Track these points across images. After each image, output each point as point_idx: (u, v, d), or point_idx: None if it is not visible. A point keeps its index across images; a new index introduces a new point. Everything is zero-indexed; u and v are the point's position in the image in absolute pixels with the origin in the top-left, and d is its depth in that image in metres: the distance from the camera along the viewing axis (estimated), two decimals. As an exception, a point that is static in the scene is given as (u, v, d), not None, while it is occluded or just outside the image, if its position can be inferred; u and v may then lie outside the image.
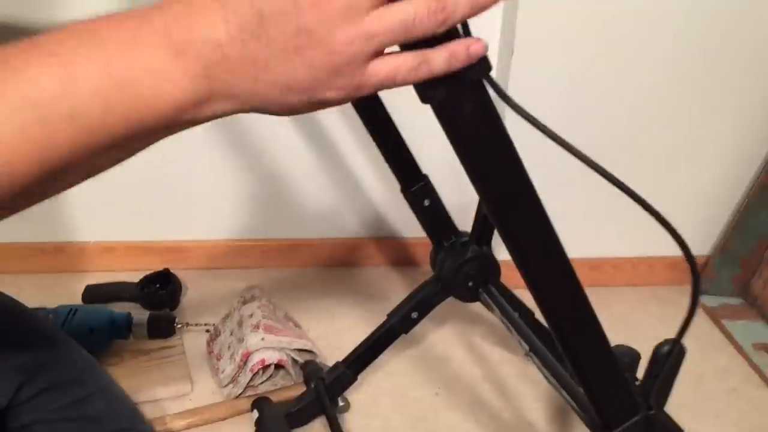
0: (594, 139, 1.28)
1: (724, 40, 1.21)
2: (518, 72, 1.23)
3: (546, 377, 0.82)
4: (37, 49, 0.35)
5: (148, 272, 1.35)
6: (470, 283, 1.01)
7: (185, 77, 0.37)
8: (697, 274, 0.55)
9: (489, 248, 1.01)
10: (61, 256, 1.40)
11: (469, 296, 1.03)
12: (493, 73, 0.46)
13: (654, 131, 1.31)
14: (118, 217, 1.41)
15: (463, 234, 1.04)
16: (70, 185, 0.43)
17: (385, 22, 0.38)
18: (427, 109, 0.46)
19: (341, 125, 1.35)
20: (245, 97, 0.39)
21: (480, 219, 0.99)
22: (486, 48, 0.42)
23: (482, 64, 0.43)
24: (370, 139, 1.00)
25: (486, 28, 1.25)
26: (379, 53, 0.39)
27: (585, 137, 1.23)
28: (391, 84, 0.40)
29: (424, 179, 1.00)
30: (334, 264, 1.49)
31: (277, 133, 1.34)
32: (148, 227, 1.42)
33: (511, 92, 0.49)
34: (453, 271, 1.01)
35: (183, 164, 1.34)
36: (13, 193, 0.37)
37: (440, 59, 0.41)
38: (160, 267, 1.37)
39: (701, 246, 1.44)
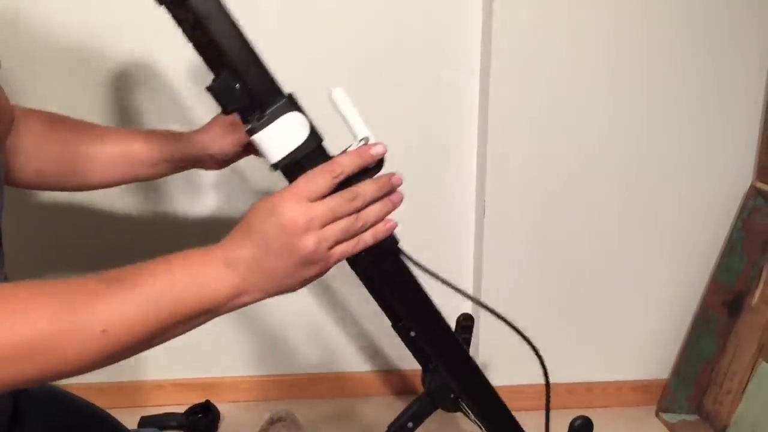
0: (563, 282, 1.59)
1: (657, 191, 1.55)
2: (490, 228, 1.55)
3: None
4: (153, 267, 0.62)
5: (191, 405, 1.62)
6: (452, 396, 1.26)
7: (231, 280, 0.63)
8: (543, 365, 0.82)
9: (466, 367, 1.28)
10: (119, 394, 1.67)
11: (452, 407, 1.28)
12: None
13: (613, 276, 1.62)
14: (165, 360, 1.69)
15: (445, 356, 1.30)
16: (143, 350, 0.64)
17: (334, 230, 0.65)
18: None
19: (350, 287, 1.65)
20: (264, 289, 0.65)
21: (457, 343, 1.27)
22: (395, 226, 0.71)
23: (393, 240, 0.72)
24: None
25: (462, 195, 1.60)
26: (334, 245, 0.66)
27: (556, 276, 1.54)
28: (345, 257, 0.67)
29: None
30: (348, 395, 1.75)
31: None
32: (190, 367, 1.70)
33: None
34: (439, 387, 1.27)
35: (217, 320, 1.64)
36: (123, 354, 0.61)
37: (368, 237, 0.69)
38: (201, 400, 1.63)
39: (661, 370, 1.69)
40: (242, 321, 1.67)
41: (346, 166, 0.66)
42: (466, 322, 1.27)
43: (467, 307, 1.60)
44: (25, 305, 0.56)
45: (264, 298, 0.66)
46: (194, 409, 1.60)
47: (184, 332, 0.65)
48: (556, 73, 1.46)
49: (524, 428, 1.22)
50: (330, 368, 1.74)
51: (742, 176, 1.53)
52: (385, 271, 0.75)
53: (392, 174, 0.69)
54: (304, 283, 0.67)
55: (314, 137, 0.66)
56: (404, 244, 0.74)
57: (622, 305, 1.65)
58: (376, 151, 0.68)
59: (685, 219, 1.57)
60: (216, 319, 1.79)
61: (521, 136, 1.49)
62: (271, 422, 1.48)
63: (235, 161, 1.05)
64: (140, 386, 1.69)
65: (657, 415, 1.67)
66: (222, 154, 1.01)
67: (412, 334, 1.28)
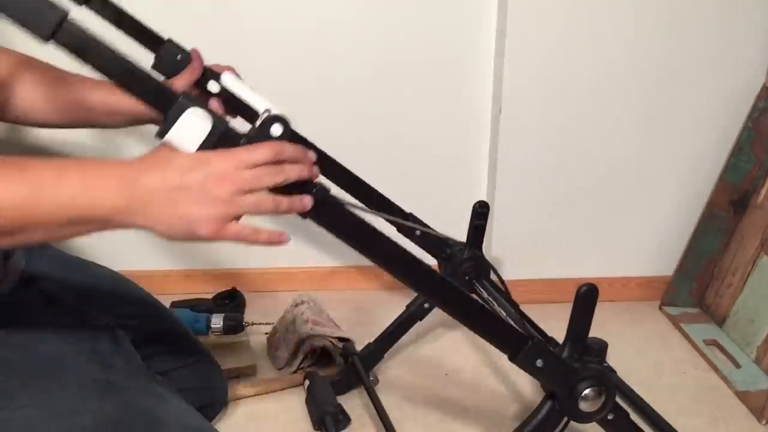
0: (574, 181, 1.65)
1: (675, 98, 1.59)
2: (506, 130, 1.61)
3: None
4: (50, 161, 0.66)
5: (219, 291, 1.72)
6: (467, 278, 1.34)
7: (119, 199, 0.66)
8: None
9: (480, 251, 1.35)
10: (149, 282, 1.75)
11: (467, 288, 1.36)
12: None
13: (623, 176, 1.67)
14: (195, 252, 1.78)
15: (456, 243, 1.37)
16: (31, 241, 0.68)
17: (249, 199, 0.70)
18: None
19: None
20: (154, 220, 0.67)
21: (472, 229, 1.34)
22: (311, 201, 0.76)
23: (323, 190, 0.78)
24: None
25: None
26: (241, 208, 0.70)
27: (567, 176, 1.59)
28: (246, 210, 0.71)
29: (410, 216, 1.33)
30: (369, 287, 1.84)
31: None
32: (218, 259, 1.80)
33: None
34: (454, 269, 1.35)
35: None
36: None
37: (284, 203, 0.74)
38: (228, 288, 1.73)
39: (666, 266, 1.76)
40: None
41: (287, 154, 0.71)
42: (482, 209, 1.34)
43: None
44: None
45: (148, 229, 0.68)
46: (221, 295, 1.70)
47: (66, 236, 0.67)
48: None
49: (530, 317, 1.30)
50: (351, 261, 1.82)
51: (754, 77, 1.57)
52: (328, 221, 0.81)
53: (311, 154, 0.75)
54: (195, 228, 0.68)
55: (219, 123, 0.70)
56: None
57: (631, 204, 1.71)
58: (311, 155, 0.75)
59: (696, 119, 1.61)
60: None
61: (539, 37, 1.53)
62: (295, 305, 1.57)
63: None
64: (170, 274, 1.78)
65: (660, 308, 1.75)
66: None
67: (418, 233, 1.34)
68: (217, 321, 1.54)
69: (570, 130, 1.62)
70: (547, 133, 1.62)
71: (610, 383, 1.01)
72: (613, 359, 1.29)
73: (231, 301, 1.68)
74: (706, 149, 1.65)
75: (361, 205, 0.82)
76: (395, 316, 1.42)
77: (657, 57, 1.55)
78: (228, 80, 0.74)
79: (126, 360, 0.97)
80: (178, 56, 1.03)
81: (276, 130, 0.72)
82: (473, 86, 1.65)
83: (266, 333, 1.59)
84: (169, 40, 1.05)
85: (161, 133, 0.69)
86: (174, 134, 0.68)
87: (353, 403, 1.38)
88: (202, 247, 1.77)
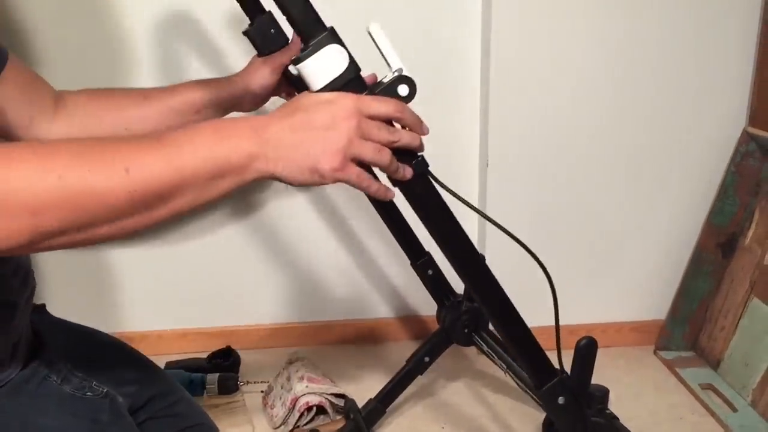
0: (564, 229, 1.67)
1: (660, 139, 1.63)
2: (492, 182, 1.63)
3: (516, 382, 1.16)
4: (181, 129, 0.68)
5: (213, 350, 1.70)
6: (465, 330, 1.35)
7: (249, 143, 0.66)
8: (553, 287, 0.89)
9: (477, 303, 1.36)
10: (143, 342, 1.75)
11: (466, 341, 1.37)
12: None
13: (612, 222, 1.70)
14: (188, 311, 1.77)
15: (459, 295, 1.39)
16: (182, 208, 0.66)
17: (368, 146, 0.71)
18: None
19: (367, 231, 1.73)
20: (281, 164, 0.67)
21: (468, 281, 1.35)
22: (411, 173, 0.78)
23: (423, 164, 0.79)
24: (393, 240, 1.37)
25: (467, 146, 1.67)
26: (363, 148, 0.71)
27: (557, 223, 1.61)
28: (366, 155, 0.70)
29: (427, 255, 1.36)
30: (363, 342, 1.83)
31: (313, 239, 1.73)
32: (211, 317, 1.79)
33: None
34: (453, 323, 1.36)
35: (236, 272, 1.75)
36: (150, 203, 0.63)
37: (394, 165, 0.74)
38: (222, 346, 1.71)
39: (659, 311, 1.78)
40: (261, 271, 1.75)
41: (407, 117, 0.73)
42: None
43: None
44: (54, 151, 0.61)
45: (278, 175, 0.68)
46: (216, 354, 1.68)
47: (213, 196, 0.67)
48: (557, 25, 1.53)
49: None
50: (345, 315, 1.82)
51: (735, 122, 1.61)
52: (417, 195, 0.81)
53: (425, 127, 0.77)
54: (321, 164, 0.68)
55: (353, 67, 0.72)
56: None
57: (621, 250, 1.73)
58: (425, 128, 0.78)
59: (681, 165, 1.65)
60: (236, 268, 1.86)
61: (523, 90, 1.57)
62: (290, 362, 1.56)
63: (268, 99, 1.12)
64: (164, 335, 1.77)
65: (655, 353, 1.76)
66: (261, 88, 1.07)
67: (430, 272, 1.36)
68: (212, 381, 1.53)
69: (557, 179, 1.65)
70: (534, 183, 1.65)
71: (618, 438, 1.01)
72: (610, 406, 1.30)
73: (225, 360, 1.67)
74: (692, 194, 1.67)
75: (454, 191, 0.82)
76: (390, 370, 1.42)
77: (641, 104, 1.59)
78: (375, 29, 0.75)
79: (124, 431, 0.96)
80: (272, 30, 1.05)
81: (403, 90, 0.74)
82: (460, 141, 1.68)
83: (262, 391, 1.58)
84: (269, 13, 1.06)
85: (297, 60, 0.70)
86: (310, 64, 0.70)
87: (355, 460, 1.37)
88: (197, 306, 1.77)
